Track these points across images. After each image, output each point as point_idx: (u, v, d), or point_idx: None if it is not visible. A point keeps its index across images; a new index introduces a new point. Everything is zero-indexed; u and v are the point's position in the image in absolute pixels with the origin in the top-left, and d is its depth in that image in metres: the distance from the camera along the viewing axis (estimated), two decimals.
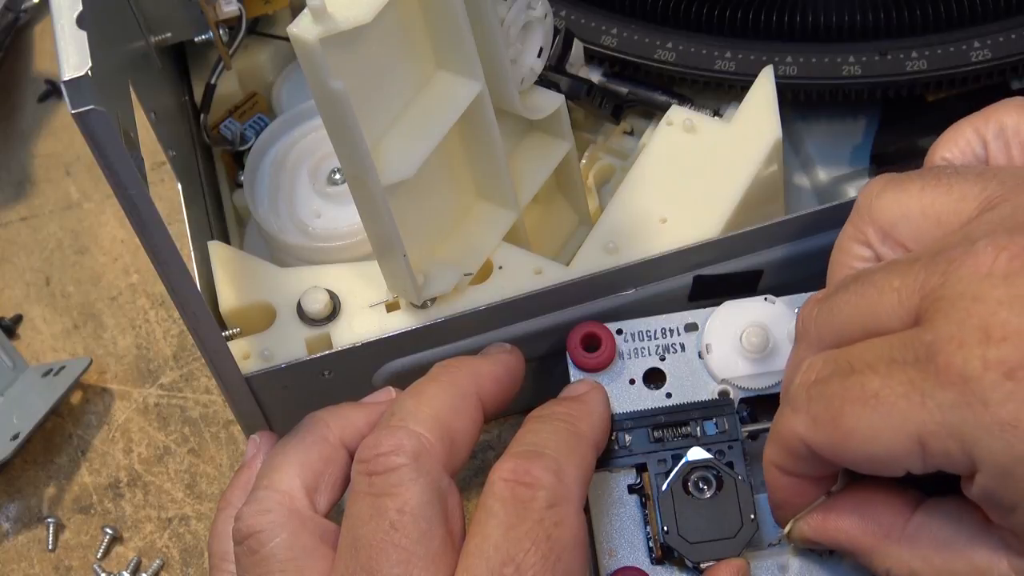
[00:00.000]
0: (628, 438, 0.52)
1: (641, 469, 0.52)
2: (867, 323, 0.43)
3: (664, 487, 0.51)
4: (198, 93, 0.68)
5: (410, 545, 0.45)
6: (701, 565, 0.50)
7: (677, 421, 0.52)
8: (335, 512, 0.50)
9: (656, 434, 0.52)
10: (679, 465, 0.51)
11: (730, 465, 0.51)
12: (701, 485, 0.51)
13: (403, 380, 0.57)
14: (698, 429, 0.52)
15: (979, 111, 0.49)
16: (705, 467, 0.51)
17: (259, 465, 0.53)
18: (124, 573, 0.63)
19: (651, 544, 0.51)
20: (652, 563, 0.51)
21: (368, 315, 0.58)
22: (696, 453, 0.51)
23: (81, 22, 0.44)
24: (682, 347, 0.54)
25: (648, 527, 0.51)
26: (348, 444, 0.50)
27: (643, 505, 0.52)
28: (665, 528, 0.50)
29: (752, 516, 0.50)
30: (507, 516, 0.45)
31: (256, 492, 0.49)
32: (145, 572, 0.63)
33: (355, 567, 0.45)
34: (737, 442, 0.51)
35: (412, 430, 0.47)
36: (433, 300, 0.57)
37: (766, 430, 0.53)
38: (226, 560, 0.51)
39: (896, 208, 0.47)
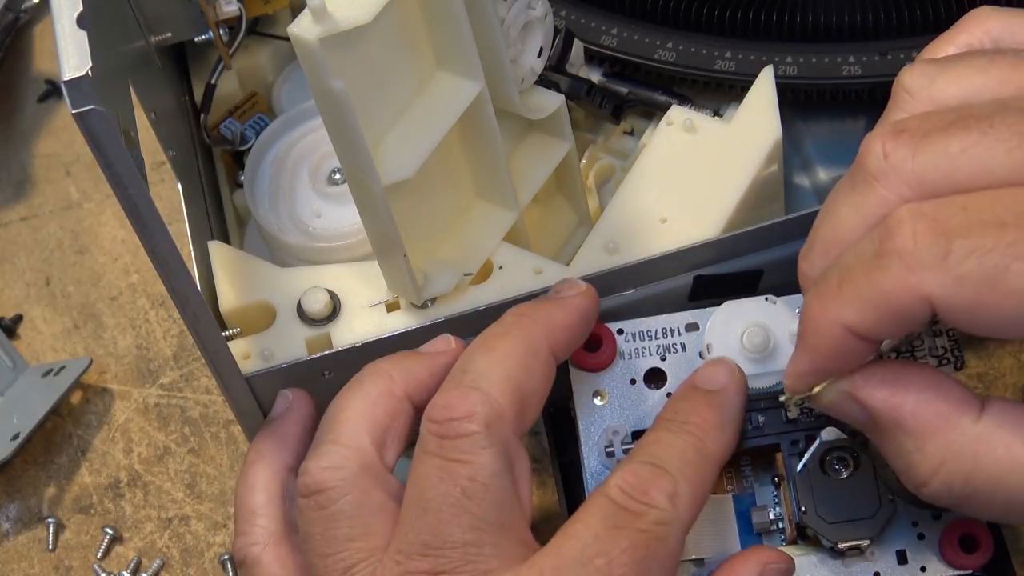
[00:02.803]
0: (761, 419, 0.51)
1: (774, 449, 0.52)
2: (996, 172, 0.39)
3: (800, 467, 0.50)
4: (198, 93, 0.68)
5: (482, 513, 0.44)
6: (839, 545, 0.50)
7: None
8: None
9: (790, 414, 0.52)
10: (815, 445, 0.51)
11: (864, 445, 0.51)
12: (837, 465, 0.50)
13: None
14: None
15: (951, 28, 0.45)
16: (841, 447, 0.50)
17: (292, 421, 0.52)
18: (124, 573, 0.63)
19: (781, 525, 0.51)
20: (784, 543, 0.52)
21: (368, 315, 0.58)
22: (831, 433, 0.51)
23: (81, 22, 0.44)
24: (683, 347, 0.54)
25: (780, 508, 0.51)
26: (412, 396, 0.49)
27: (776, 486, 0.52)
28: (802, 508, 0.50)
29: (891, 497, 0.50)
30: (613, 515, 0.45)
31: (323, 446, 0.48)
32: (145, 572, 0.63)
33: (423, 528, 0.45)
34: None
35: (486, 393, 0.46)
36: (433, 300, 0.57)
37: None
38: (257, 514, 0.50)
39: (957, 87, 0.43)
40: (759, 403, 0.52)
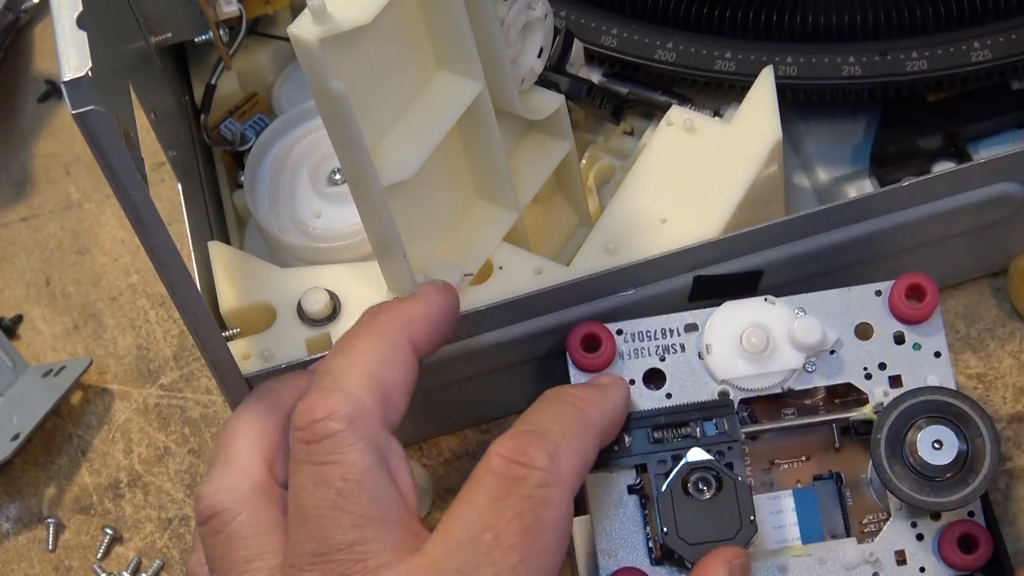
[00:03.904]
0: (628, 439, 0.52)
1: (641, 470, 0.52)
2: None
3: (663, 488, 0.51)
4: (198, 93, 0.68)
5: (360, 510, 0.44)
6: None
7: (677, 422, 0.52)
8: None
9: (656, 435, 0.52)
10: (679, 466, 0.51)
11: (730, 466, 0.51)
12: (701, 486, 0.51)
13: None
14: (698, 430, 0.52)
15: None
16: (705, 468, 0.51)
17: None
18: (124, 573, 0.63)
19: (651, 544, 0.51)
20: (652, 564, 0.51)
21: None
22: (696, 454, 0.51)
23: (81, 22, 0.44)
24: (682, 347, 0.54)
25: (648, 527, 0.51)
26: None
27: (643, 505, 0.52)
28: (664, 529, 0.50)
29: (752, 518, 0.50)
30: (496, 487, 0.45)
31: (214, 470, 0.48)
32: (145, 572, 0.63)
33: (308, 537, 0.44)
34: (737, 443, 0.51)
35: (344, 391, 0.46)
36: None
37: (766, 431, 0.53)
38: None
39: None
40: (660, 418, 0.52)
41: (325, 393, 0.46)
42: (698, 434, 0.52)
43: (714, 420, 0.52)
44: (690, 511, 0.50)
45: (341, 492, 0.44)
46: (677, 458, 0.51)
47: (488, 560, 0.43)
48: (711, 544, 0.50)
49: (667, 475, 0.51)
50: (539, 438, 0.46)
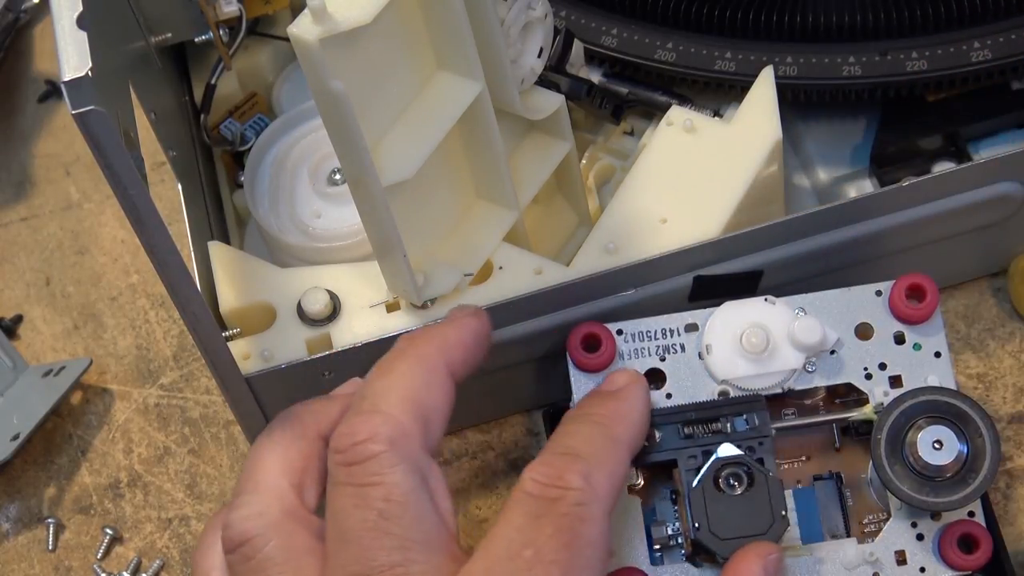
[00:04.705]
0: (658, 434, 0.52)
1: (671, 465, 0.52)
2: None
3: (695, 483, 0.50)
4: (198, 93, 0.68)
5: (403, 532, 0.44)
6: None
7: (707, 417, 0.52)
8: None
9: (686, 430, 0.52)
10: (710, 461, 0.51)
11: (760, 461, 0.51)
12: (732, 481, 0.51)
13: None
14: (728, 425, 0.52)
15: None
16: (736, 463, 0.51)
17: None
18: (124, 573, 0.63)
19: (678, 540, 0.51)
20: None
21: (368, 315, 0.58)
22: (726, 449, 0.51)
23: (81, 22, 0.44)
24: (682, 347, 0.54)
25: (677, 523, 0.51)
26: (325, 436, 0.49)
27: (673, 502, 0.52)
28: (696, 524, 0.50)
29: (783, 512, 0.50)
30: (533, 507, 0.45)
31: (241, 497, 0.47)
32: (145, 572, 0.63)
33: (348, 560, 0.44)
34: (768, 438, 0.51)
35: (386, 414, 0.46)
36: (433, 300, 0.57)
37: (797, 427, 0.53)
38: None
39: None
40: (690, 413, 0.52)
41: (366, 416, 0.46)
42: (728, 429, 0.52)
43: (744, 415, 0.52)
44: (722, 506, 0.50)
45: (383, 513, 0.44)
46: (707, 453, 0.51)
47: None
48: (743, 539, 0.50)
49: (698, 470, 0.51)
50: (572, 460, 0.46)
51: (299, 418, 0.50)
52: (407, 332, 0.50)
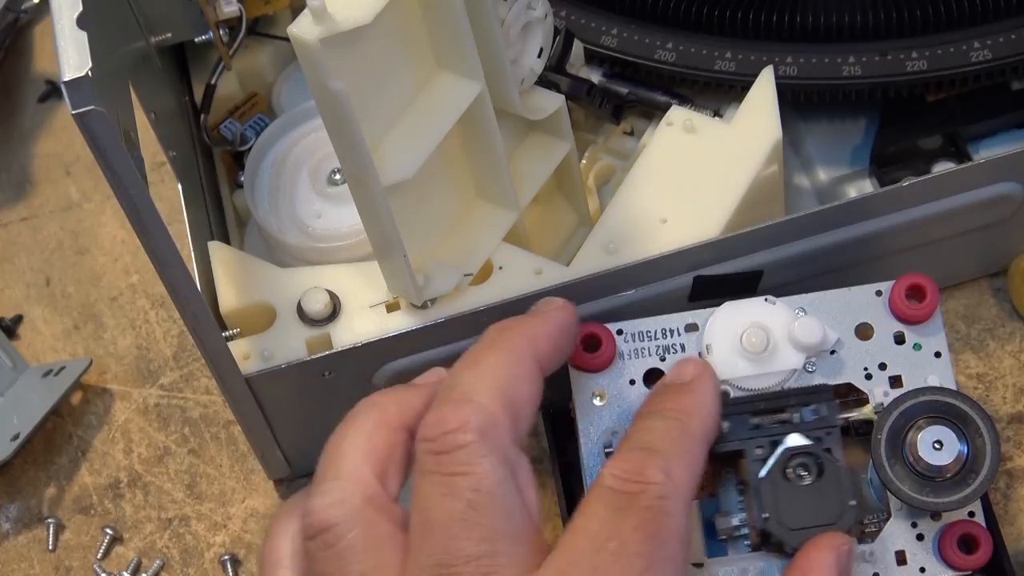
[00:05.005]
0: (726, 424, 0.51)
1: (735, 456, 0.52)
2: None
3: (763, 473, 0.50)
4: (198, 93, 0.68)
5: (491, 523, 0.43)
6: None
7: (775, 407, 0.52)
8: None
9: (754, 420, 0.52)
10: (779, 451, 0.51)
11: (828, 451, 0.51)
12: (801, 471, 0.50)
13: (403, 380, 0.57)
14: (796, 415, 0.52)
15: None
16: (805, 453, 0.51)
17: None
18: (124, 573, 0.63)
19: (744, 531, 0.51)
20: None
21: (368, 315, 0.58)
22: (795, 439, 0.51)
23: (81, 22, 0.44)
24: (682, 348, 0.54)
25: (743, 513, 0.51)
26: (409, 426, 0.48)
27: (740, 492, 0.52)
28: (765, 515, 0.50)
29: (853, 502, 0.50)
30: (615, 501, 0.44)
31: (324, 484, 0.46)
32: (145, 572, 0.63)
33: (433, 549, 0.44)
34: (836, 428, 0.51)
35: (477, 403, 0.45)
36: (433, 300, 0.57)
37: (866, 422, 0.53)
38: (279, 565, 0.48)
39: None
40: (757, 404, 0.52)
41: (456, 404, 0.45)
42: (796, 420, 0.51)
43: (812, 406, 0.52)
44: (791, 496, 0.50)
45: (472, 504, 0.44)
46: (775, 444, 0.51)
47: (616, 567, 0.43)
48: (813, 529, 0.49)
49: (765, 461, 0.51)
50: (651, 456, 0.46)
51: (381, 406, 0.49)
52: (497, 323, 0.49)
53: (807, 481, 0.50)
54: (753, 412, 0.52)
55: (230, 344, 0.55)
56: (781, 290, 0.54)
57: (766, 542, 0.51)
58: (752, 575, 0.51)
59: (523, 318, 0.50)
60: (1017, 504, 0.60)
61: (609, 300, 0.57)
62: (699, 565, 0.52)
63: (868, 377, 0.53)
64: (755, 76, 0.61)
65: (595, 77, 0.65)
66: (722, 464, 0.53)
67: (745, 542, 0.52)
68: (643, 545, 0.43)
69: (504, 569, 0.43)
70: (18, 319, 0.72)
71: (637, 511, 0.44)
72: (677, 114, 0.61)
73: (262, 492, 0.64)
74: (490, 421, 0.45)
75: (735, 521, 0.52)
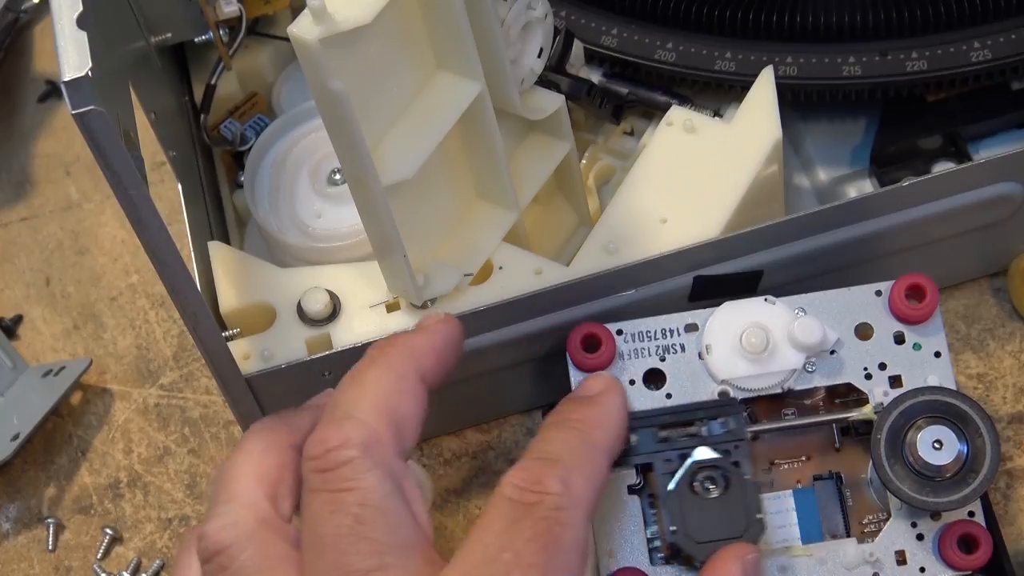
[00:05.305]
0: (634, 438, 0.52)
1: (647, 469, 0.52)
2: None
3: (671, 486, 0.51)
4: (198, 93, 0.68)
5: (380, 536, 0.44)
6: None
7: (683, 421, 0.52)
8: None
9: (662, 434, 0.52)
10: (686, 464, 0.51)
11: (736, 464, 0.51)
12: (708, 484, 0.51)
13: None
14: (704, 429, 0.52)
15: None
16: (712, 466, 0.51)
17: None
18: (124, 573, 0.63)
19: (657, 543, 0.51)
20: (652, 563, 0.51)
21: (368, 315, 0.58)
22: (702, 452, 0.51)
23: (81, 22, 0.44)
24: (682, 348, 0.54)
25: (655, 526, 0.51)
26: (299, 446, 0.49)
27: (651, 505, 0.52)
28: (673, 528, 0.50)
29: (759, 515, 0.50)
30: (511, 512, 0.45)
31: (216, 507, 0.47)
32: (145, 572, 0.63)
33: (325, 565, 0.44)
34: (743, 442, 0.51)
35: (358, 420, 0.46)
36: (433, 300, 0.57)
37: (770, 430, 0.53)
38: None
39: None
40: (665, 417, 0.52)
41: (338, 422, 0.46)
42: (704, 433, 0.52)
43: (720, 419, 0.52)
44: (698, 509, 0.50)
45: (359, 518, 0.44)
46: (683, 457, 0.51)
47: None
48: (719, 542, 0.50)
49: (673, 474, 0.51)
50: (550, 465, 0.46)
51: (271, 429, 0.50)
52: (378, 340, 0.50)
53: (714, 494, 0.50)
54: (662, 425, 0.52)
55: (230, 344, 0.55)
56: (781, 290, 0.54)
57: (675, 555, 0.51)
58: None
59: (405, 334, 0.51)
60: (1017, 504, 0.60)
61: (609, 300, 0.57)
62: None
63: (868, 377, 0.53)
64: (755, 76, 0.61)
65: (595, 77, 0.65)
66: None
67: (659, 554, 0.52)
68: (538, 556, 0.44)
69: None
70: (18, 319, 0.72)
71: (533, 522, 0.44)
72: (677, 114, 0.61)
73: None
74: (373, 437, 0.45)
75: (647, 533, 0.52)
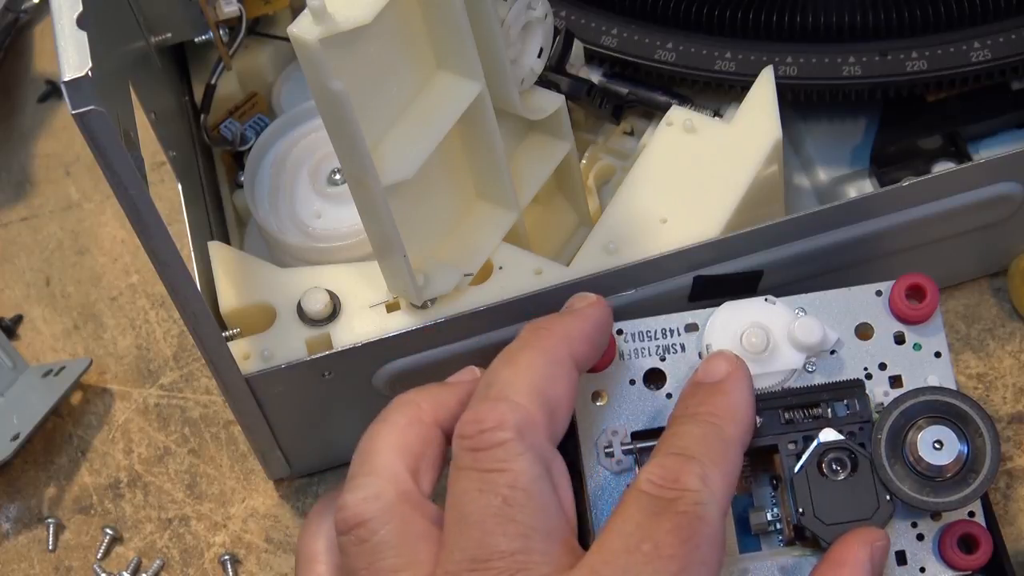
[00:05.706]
0: (759, 419, 0.51)
1: (769, 451, 0.52)
2: None
3: (798, 468, 0.50)
4: (198, 93, 0.68)
5: (526, 519, 0.44)
6: None
7: (808, 402, 0.52)
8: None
9: (787, 416, 0.52)
10: (813, 446, 0.51)
11: (862, 446, 0.51)
12: (835, 466, 0.50)
13: (403, 381, 0.57)
14: (829, 410, 0.52)
15: None
16: (839, 448, 0.51)
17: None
18: (124, 573, 0.63)
19: (778, 525, 0.51)
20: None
21: (368, 315, 0.58)
22: (828, 434, 0.51)
23: (81, 22, 0.44)
24: (682, 347, 0.54)
25: (776, 509, 0.51)
26: (442, 424, 0.49)
27: (773, 487, 0.52)
28: (800, 510, 0.50)
29: (888, 497, 0.50)
30: (651, 505, 0.45)
31: (357, 479, 0.47)
32: (145, 572, 0.63)
33: (468, 544, 0.44)
34: (868, 423, 0.51)
35: (514, 402, 0.45)
36: (433, 300, 0.57)
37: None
38: (315, 561, 0.49)
39: None
40: (789, 399, 0.52)
41: (493, 403, 0.46)
42: (829, 415, 0.51)
43: (845, 401, 0.52)
44: (825, 491, 0.50)
45: (508, 500, 0.44)
46: (807, 439, 0.51)
47: (649, 569, 0.43)
48: (847, 524, 0.49)
49: (799, 456, 0.51)
50: (687, 462, 0.46)
51: (415, 403, 0.49)
52: (532, 321, 0.50)
53: (841, 476, 0.50)
54: (785, 407, 0.52)
55: (230, 344, 0.55)
56: (781, 290, 0.54)
57: (800, 537, 0.51)
58: (785, 569, 0.51)
59: (559, 316, 0.50)
60: (1017, 504, 0.60)
61: (609, 300, 0.57)
62: None
63: (868, 377, 0.53)
64: (755, 76, 0.61)
65: (595, 77, 0.65)
66: (755, 459, 0.53)
67: (779, 537, 0.52)
68: (678, 548, 0.43)
69: (538, 566, 0.43)
70: (18, 319, 0.72)
71: (673, 515, 0.44)
72: (677, 114, 0.61)
73: (262, 492, 0.65)
74: (527, 420, 0.45)
75: (769, 516, 0.52)
